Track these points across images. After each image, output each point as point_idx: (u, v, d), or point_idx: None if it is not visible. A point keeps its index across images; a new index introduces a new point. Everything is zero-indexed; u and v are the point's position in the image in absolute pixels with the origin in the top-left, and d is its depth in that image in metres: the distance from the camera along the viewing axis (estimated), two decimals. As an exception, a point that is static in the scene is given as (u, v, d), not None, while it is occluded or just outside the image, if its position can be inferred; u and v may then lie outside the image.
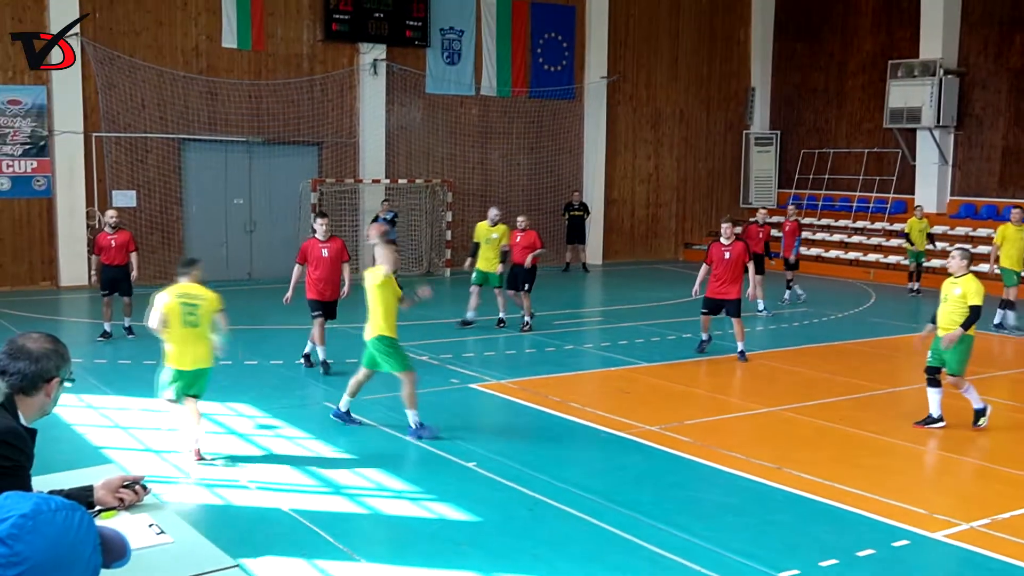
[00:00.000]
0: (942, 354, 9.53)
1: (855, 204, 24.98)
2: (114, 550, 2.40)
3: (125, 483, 3.57)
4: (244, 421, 9.68)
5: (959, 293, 9.46)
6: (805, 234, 24.08)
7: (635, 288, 20.37)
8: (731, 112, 27.25)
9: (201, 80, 19.66)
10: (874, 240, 23.81)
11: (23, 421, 3.16)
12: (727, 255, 12.96)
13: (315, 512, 7.14)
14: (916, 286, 19.77)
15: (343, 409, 9.41)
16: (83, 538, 2.11)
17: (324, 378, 11.49)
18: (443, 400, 10.29)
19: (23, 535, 2.02)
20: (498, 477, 7.99)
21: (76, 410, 9.71)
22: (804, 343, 14.60)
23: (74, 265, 18.50)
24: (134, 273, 13.70)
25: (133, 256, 13.74)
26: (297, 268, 11.92)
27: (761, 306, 16.70)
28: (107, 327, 13.60)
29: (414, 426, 9.07)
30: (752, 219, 18.40)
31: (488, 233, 14.80)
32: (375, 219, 19.31)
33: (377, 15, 21.13)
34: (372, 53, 21.22)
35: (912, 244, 19.43)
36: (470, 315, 14.83)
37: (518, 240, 14.89)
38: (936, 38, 22.77)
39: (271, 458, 8.49)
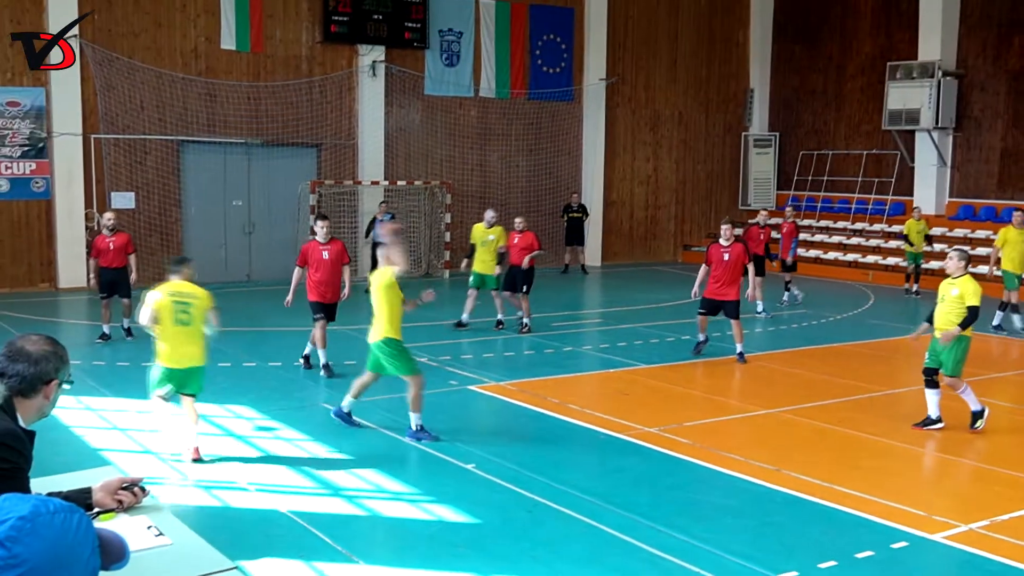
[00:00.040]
0: (939, 355, 9.55)
1: (854, 206, 25.00)
2: (113, 552, 2.40)
3: (124, 485, 3.57)
4: (243, 423, 9.67)
5: (957, 294, 9.47)
6: (804, 236, 24.15)
7: (634, 290, 20.38)
8: (730, 114, 27.27)
9: (200, 82, 19.66)
10: (873, 242, 23.82)
11: (22, 423, 3.16)
12: (726, 256, 12.96)
13: (314, 514, 7.14)
14: (915, 288, 19.80)
15: (345, 410, 9.38)
16: (82, 540, 2.11)
17: (323, 380, 11.49)
18: (442, 402, 10.29)
19: (22, 537, 2.02)
20: (497, 479, 7.99)
21: (75, 412, 9.70)
22: (803, 345, 14.61)
23: (73, 267, 18.49)
24: (133, 276, 13.69)
25: (132, 258, 13.74)
26: (297, 271, 11.91)
27: (760, 308, 16.72)
28: (106, 329, 13.59)
29: (415, 428, 9.06)
30: (753, 220, 18.39)
31: (484, 235, 14.80)
32: (372, 221, 19.32)
33: (376, 17, 21.14)
34: (371, 55, 21.23)
35: (912, 245, 19.47)
36: (465, 317, 14.83)
37: (516, 241, 14.90)
38: (935, 40, 22.80)
39: (270, 460, 8.48)
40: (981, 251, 20.43)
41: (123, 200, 19.12)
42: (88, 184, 18.79)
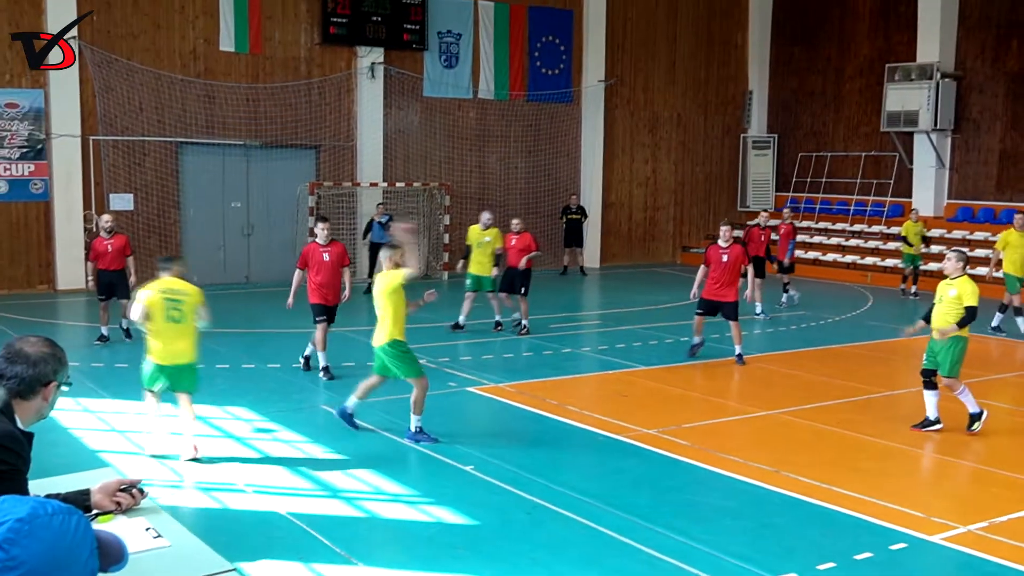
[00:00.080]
0: (937, 356, 9.56)
1: (852, 207, 25.02)
2: (111, 554, 2.40)
3: (122, 487, 3.57)
4: (241, 424, 9.67)
5: (955, 295, 9.49)
6: (803, 237, 24.18)
7: (633, 291, 20.38)
8: (728, 116, 27.29)
9: (199, 83, 19.66)
10: (871, 243, 23.84)
11: (20, 425, 3.16)
12: (725, 258, 12.96)
13: (312, 516, 7.14)
14: (914, 289, 19.82)
15: (349, 410, 9.35)
16: (80, 542, 2.11)
17: (322, 382, 11.49)
18: (441, 403, 10.28)
19: (19, 539, 2.01)
20: (496, 481, 7.99)
21: (73, 414, 9.70)
22: (801, 346, 14.61)
23: (71, 269, 18.47)
24: (132, 278, 13.67)
25: (130, 260, 13.73)
26: (298, 273, 11.90)
27: (759, 309, 16.73)
28: (104, 331, 13.59)
29: (414, 430, 9.06)
30: (753, 222, 18.38)
31: (480, 237, 14.78)
32: (370, 222, 19.33)
33: (375, 19, 21.14)
34: (370, 56, 21.24)
35: (911, 246, 19.50)
36: (462, 319, 14.83)
37: (513, 243, 14.89)
38: (933, 42, 22.82)
39: (268, 461, 8.48)
40: (980, 252, 20.47)
41: (122, 202, 19.12)
42: (87, 186, 18.78)
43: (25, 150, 18.40)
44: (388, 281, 8.95)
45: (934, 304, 9.72)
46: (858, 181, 25.14)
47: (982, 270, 17.91)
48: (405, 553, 6.67)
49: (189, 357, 8.42)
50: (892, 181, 24.36)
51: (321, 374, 11.62)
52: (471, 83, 22.89)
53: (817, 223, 25.30)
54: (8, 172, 18.31)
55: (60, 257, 18.68)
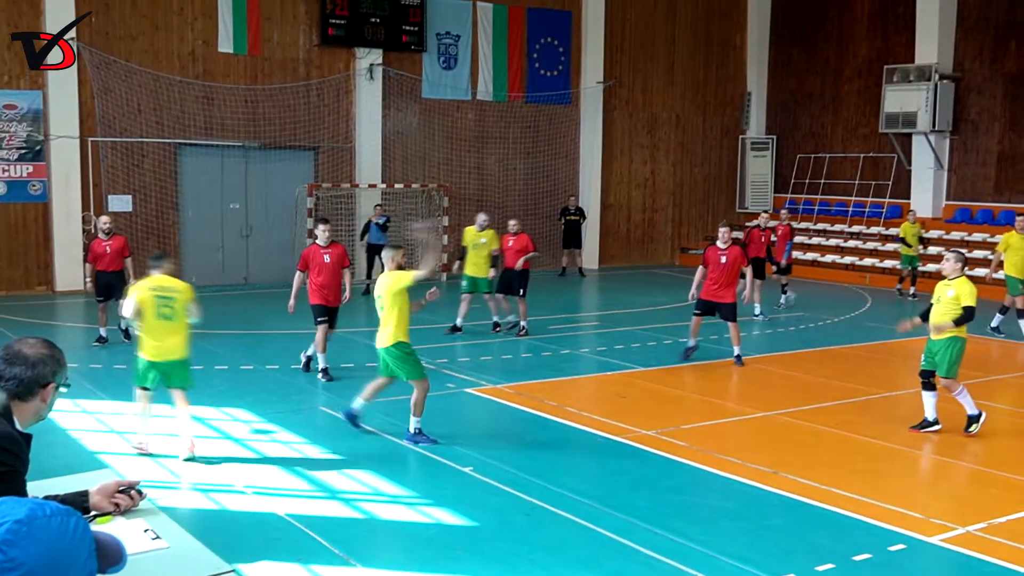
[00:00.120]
0: (935, 357, 9.58)
1: (851, 209, 25.04)
2: (110, 555, 2.40)
3: (121, 488, 3.57)
4: (240, 426, 9.66)
5: (953, 295, 9.51)
6: (801, 239, 24.19)
7: (631, 293, 20.38)
8: (727, 117, 27.30)
9: (197, 85, 19.66)
10: (870, 245, 23.85)
11: (19, 426, 3.16)
12: (723, 259, 12.94)
13: (311, 517, 7.13)
14: (912, 290, 19.84)
15: (355, 412, 9.33)
16: (78, 543, 2.11)
17: (321, 383, 11.48)
18: (439, 405, 10.28)
19: (18, 540, 2.01)
20: (495, 482, 7.99)
21: (71, 415, 9.70)
22: (800, 347, 14.61)
23: (70, 270, 18.46)
24: (130, 279, 13.65)
25: (128, 261, 13.73)
26: (298, 275, 11.89)
27: (757, 310, 16.74)
28: (103, 332, 13.58)
29: (413, 431, 9.06)
30: (754, 223, 18.36)
31: (476, 238, 14.77)
32: (367, 223, 19.33)
33: (373, 20, 21.15)
34: (368, 58, 21.24)
35: (909, 247, 19.53)
36: (459, 321, 14.82)
37: (510, 244, 14.87)
38: (931, 43, 22.84)
39: (267, 463, 8.47)
40: (978, 254, 20.48)
41: (120, 203, 19.12)
42: (85, 187, 18.78)
43: (23, 151, 18.39)
44: (394, 281, 8.90)
45: (931, 304, 9.73)
46: (856, 182, 25.16)
47: (980, 271, 17.92)
48: (404, 554, 6.67)
49: (181, 353, 8.47)
50: (890, 182, 24.38)
51: (320, 376, 11.62)
52: (470, 84, 22.89)
53: (816, 224, 25.31)
54: (6, 173, 18.30)
55: (58, 258, 18.67)
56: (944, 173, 23.44)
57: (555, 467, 8.50)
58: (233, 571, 3.29)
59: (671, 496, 7.85)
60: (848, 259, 23.72)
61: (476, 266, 14.69)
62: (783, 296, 18.23)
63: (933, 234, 22.28)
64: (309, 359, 11.98)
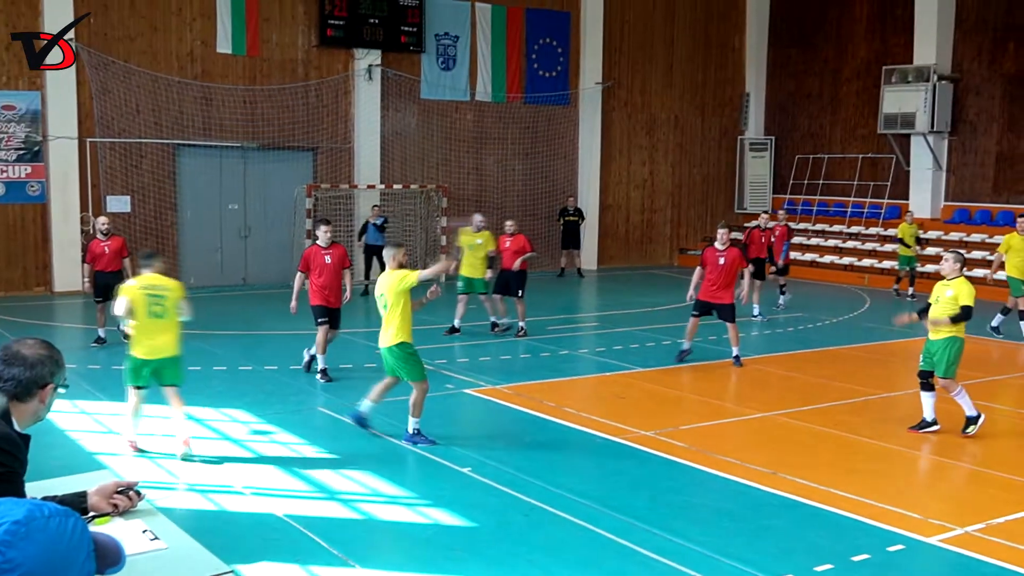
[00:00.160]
0: (933, 357, 9.59)
1: (849, 209, 25.06)
2: (108, 556, 2.40)
3: (119, 489, 3.56)
4: (239, 426, 9.66)
5: (951, 295, 9.52)
6: (800, 239, 24.21)
7: (630, 293, 20.39)
8: (726, 118, 27.31)
9: (196, 85, 19.66)
10: (868, 245, 23.87)
11: (17, 427, 3.16)
12: (721, 260, 12.93)
13: (310, 517, 7.13)
14: (911, 291, 19.85)
15: (363, 414, 9.29)
16: (76, 544, 2.11)
17: (319, 384, 11.47)
18: (438, 405, 10.27)
19: (16, 541, 2.01)
20: (493, 482, 7.98)
21: (70, 416, 9.69)
22: (799, 348, 14.62)
23: (68, 270, 18.46)
24: (129, 280, 13.65)
25: (127, 262, 13.72)
26: (299, 276, 11.88)
27: (756, 311, 16.75)
28: (101, 333, 13.58)
29: (412, 431, 9.05)
30: (754, 223, 18.33)
31: (472, 240, 14.75)
32: (365, 224, 19.32)
33: (372, 21, 21.15)
34: (367, 59, 21.24)
35: (908, 247, 19.56)
36: (457, 322, 14.81)
37: (507, 245, 14.84)
38: (930, 44, 22.86)
39: (266, 463, 8.47)
40: (976, 254, 20.50)
41: (119, 204, 19.12)
42: (83, 188, 18.77)
43: (22, 152, 18.38)
44: (397, 280, 8.88)
45: (930, 304, 9.75)
46: (855, 183, 25.17)
47: (979, 272, 17.93)
48: (402, 555, 6.67)
49: (173, 351, 8.53)
50: (889, 183, 24.40)
51: (319, 376, 11.61)
52: (468, 85, 22.89)
53: (814, 225, 25.32)
54: (5, 174, 18.29)
55: (57, 259, 18.67)
56: (943, 174, 23.46)
57: (554, 468, 8.49)
58: (232, 572, 3.29)
59: (670, 497, 7.85)
60: (847, 260, 23.73)
61: (472, 267, 14.67)
62: (781, 297, 18.23)
63: (932, 235, 22.30)
64: (312, 358, 11.94)
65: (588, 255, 24.51)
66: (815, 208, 25.70)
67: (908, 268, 19.87)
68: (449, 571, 6.26)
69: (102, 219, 14.13)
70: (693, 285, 13.25)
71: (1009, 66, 22.25)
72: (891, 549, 6.73)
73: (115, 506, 3.51)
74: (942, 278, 9.83)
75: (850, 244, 24.26)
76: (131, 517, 3.53)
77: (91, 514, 3.44)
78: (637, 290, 20.91)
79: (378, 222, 18.98)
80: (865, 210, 24.73)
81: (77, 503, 3.41)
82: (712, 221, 26.41)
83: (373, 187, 21.27)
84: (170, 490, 7.68)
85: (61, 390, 3.28)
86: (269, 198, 20.69)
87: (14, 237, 18.52)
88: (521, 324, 14.77)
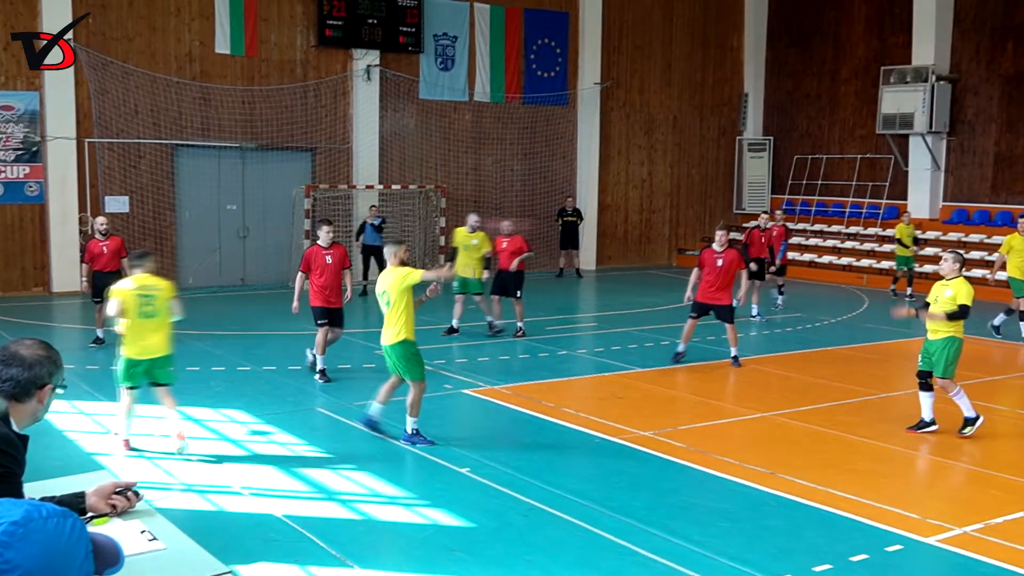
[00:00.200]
0: (932, 357, 9.60)
1: (848, 210, 25.07)
2: (107, 557, 2.40)
3: (117, 489, 3.56)
4: (237, 427, 9.66)
5: (950, 295, 9.53)
6: (799, 239, 24.23)
7: (629, 294, 20.39)
8: (724, 118, 27.32)
9: (194, 86, 19.65)
10: (867, 246, 23.88)
11: (15, 428, 3.15)
12: (719, 262, 12.92)
13: (308, 518, 7.13)
14: (909, 291, 19.86)
15: (374, 418, 9.26)
16: (75, 545, 2.11)
17: (318, 385, 11.47)
18: (436, 406, 10.28)
19: (14, 542, 2.01)
20: (492, 483, 7.98)
21: (68, 416, 9.68)
22: (797, 348, 14.62)
23: (66, 271, 18.45)
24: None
25: (125, 262, 13.69)
26: (300, 276, 11.89)
27: (755, 311, 16.75)
28: (99, 333, 13.57)
29: (410, 431, 9.05)
30: (754, 223, 18.32)
31: (467, 239, 14.73)
32: (363, 224, 19.32)
33: (370, 21, 21.15)
34: (365, 59, 21.24)
35: (906, 247, 19.57)
36: (455, 323, 14.81)
37: (504, 246, 14.81)
38: (928, 44, 22.87)
39: (264, 464, 8.46)
40: (975, 255, 20.51)
41: (117, 204, 19.10)
42: (82, 188, 18.76)
43: (20, 152, 18.37)
44: (400, 277, 8.87)
45: (928, 303, 9.75)
46: (853, 183, 25.18)
47: (977, 272, 17.94)
48: (401, 555, 6.67)
49: (164, 350, 8.56)
50: (887, 183, 24.41)
51: (317, 377, 11.60)
52: (467, 85, 22.89)
53: (813, 225, 25.33)
54: (3, 175, 18.28)
55: (55, 260, 18.65)
56: (941, 174, 23.47)
57: (552, 468, 8.49)
58: (230, 572, 3.29)
59: (669, 497, 7.85)
60: (845, 260, 23.74)
61: (467, 267, 14.65)
62: (779, 297, 18.23)
63: (930, 235, 22.33)
64: (316, 358, 11.88)
65: (587, 255, 24.51)
66: (813, 208, 25.70)
67: (906, 268, 19.88)
68: (448, 571, 6.26)
69: (101, 219, 14.13)
70: (691, 286, 13.25)
71: (1007, 66, 22.26)
72: (889, 549, 6.74)
73: (113, 507, 3.51)
74: (940, 278, 9.84)
75: (848, 244, 24.26)
76: (129, 518, 3.52)
77: (89, 515, 3.44)
78: (636, 290, 20.92)
79: (376, 222, 18.97)
80: (863, 210, 24.74)
81: (75, 504, 3.41)
82: (710, 221, 26.43)
83: (372, 187, 21.27)
84: (168, 490, 7.68)
85: (59, 391, 3.28)
86: (267, 198, 20.68)
87: (12, 238, 18.50)
88: (519, 324, 14.76)
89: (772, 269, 17.83)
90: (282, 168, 20.79)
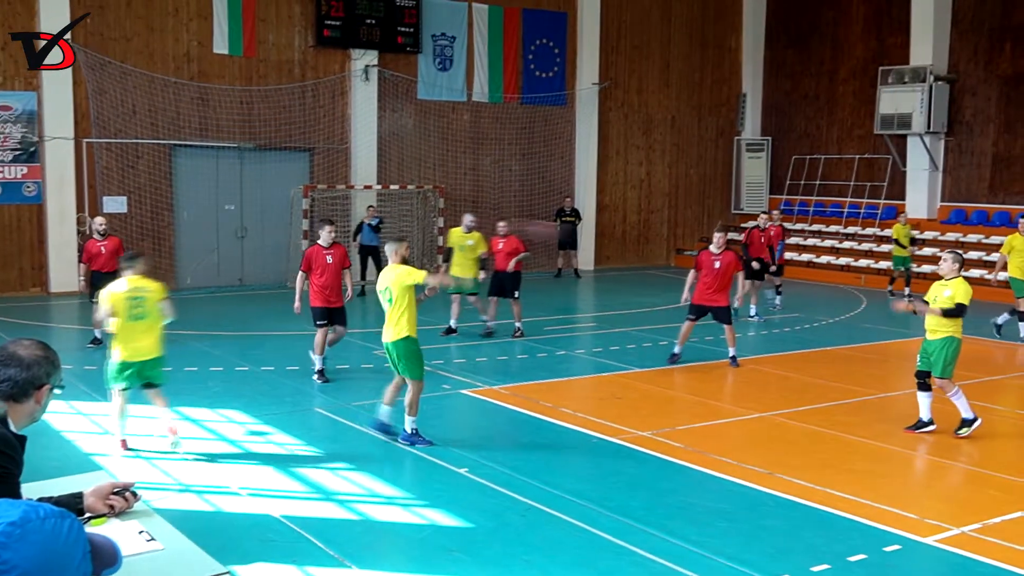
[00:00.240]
0: (930, 357, 9.60)
1: (846, 210, 25.08)
2: (104, 557, 2.39)
3: (115, 490, 3.56)
4: (235, 427, 9.65)
5: (949, 295, 9.53)
6: (797, 240, 24.24)
7: (627, 294, 20.39)
8: (722, 118, 27.33)
9: (192, 86, 19.64)
10: (865, 246, 23.88)
11: (12, 428, 3.15)
12: (717, 264, 12.90)
13: (306, 518, 7.13)
14: (907, 291, 19.87)
15: (385, 422, 9.25)
16: (72, 545, 2.11)
17: (316, 385, 11.46)
18: (435, 406, 10.28)
19: (11, 543, 2.01)
20: (490, 483, 7.98)
21: (66, 417, 9.68)
22: (795, 348, 14.62)
23: (64, 271, 18.43)
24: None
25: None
26: (300, 275, 11.89)
27: (753, 312, 16.76)
28: (97, 334, 13.54)
29: (410, 431, 9.04)
30: (753, 223, 18.32)
31: (463, 240, 14.71)
32: (360, 225, 19.32)
33: (369, 21, 21.14)
34: (364, 59, 21.24)
35: (903, 247, 19.58)
36: (453, 323, 14.80)
37: (500, 247, 14.79)
38: (926, 45, 22.88)
39: (262, 464, 8.46)
40: (972, 255, 20.52)
41: (115, 204, 19.09)
42: (80, 188, 18.74)
43: (18, 152, 18.36)
44: (403, 275, 8.87)
45: (927, 302, 9.75)
46: (851, 184, 25.19)
47: (975, 272, 17.94)
48: (399, 555, 6.67)
49: (155, 352, 8.57)
50: (885, 184, 24.42)
51: (315, 377, 11.60)
52: (465, 86, 22.89)
53: (811, 225, 25.33)
54: (1, 175, 18.26)
55: (53, 260, 18.64)
56: (939, 174, 23.48)
57: (551, 468, 8.49)
58: (228, 573, 3.29)
59: (667, 497, 7.85)
60: (843, 260, 23.75)
61: (462, 267, 14.62)
62: (777, 297, 18.23)
63: (928, 235, 22.34)
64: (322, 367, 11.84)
65: (585, 256, 24.51)
66: (812, 208, 25.71)
67: (903, 268, 19.89)
68: (446, 571, 6.26)
69: (99, 219, 14.13)
70: (687, 288, 13.24)
71: (1005, 67, 22.28)
72: (887, 549, 6.74)
73: (111, 507, 3.50)
74: (938, 278, 9.85)
75: (846, 244, 24.27)
76: (127, 518, 3.52)
77: (87, 515, 3.44)
78: (634, 290, 20.92)
79: (373, 222, 18.97)
80: (862, 210, 24.75)
81: (73, 504, 3.40)
82: (709, 221, 26.45)
83: (370, 187, 21.27)
84: (166, 491, 7.68)
85: (57, 391, 3.28)
86: (266, 199, 20.67)
87: (10, 238, 18.49)
88: (518, 325, 14.76)
89: (772, 269, 17.84)
90: (280, 168, 20.78)
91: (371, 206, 19.64)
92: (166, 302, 8.68)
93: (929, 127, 22.73)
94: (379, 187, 21.48)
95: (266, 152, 20.55)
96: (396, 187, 21.75)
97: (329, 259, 11.67)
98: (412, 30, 21.75)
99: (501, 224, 15.17)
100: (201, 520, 7.14)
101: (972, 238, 21.85)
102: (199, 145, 19.92)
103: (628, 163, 25.81)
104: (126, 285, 8.54)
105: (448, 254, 14.94)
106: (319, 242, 11.88)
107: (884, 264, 22.39)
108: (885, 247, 22.74)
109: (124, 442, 8.60)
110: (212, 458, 8.55)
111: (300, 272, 11.89)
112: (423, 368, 9.11)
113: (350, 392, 11.01)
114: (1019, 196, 21.98)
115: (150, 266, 9.58)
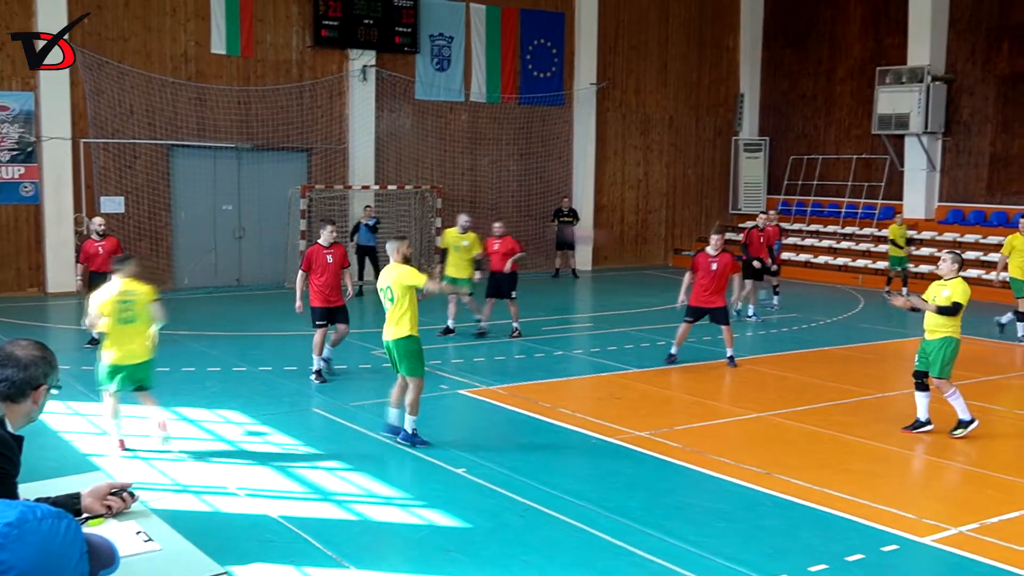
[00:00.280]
0: (928, 357, 9.61)
1: (844, 210, 25.10)
2: (102, 557, 2.39)
3: (113, 490, 3.55)
4: (232, 427, 9.65)
5: (947, 295, 9.53)
6: (794, 240, 24.25)
7: (625, 294, 20.39)
8: (720, 118, 27.35)
9: (190, 86, 19.63)
10: (862, 246, 23.90)
11: (10, 428, 3.15)
12: (714, 266, 12.89)
13: (304, 518, 7.12)
14: (905, 291, 19.85)
15: (395, 423, 9.22)
16: (69, 546, 2.10)
17: (314, 385, 11.45)
18: (432, 406, 10.27)
19: (8, 543, 2.00)
20: (488, 483, 7.98)
21: (63, 417, 9.67)
22: (793, 348, 14.63)
23: (61, 271, 18.42)
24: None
25: (121, 262, 13.69)
26: (301, 275, 11.89)
27: (751, 312, 16.76)
28: (94, 334, 13.52)
29: (409, 431, 9.03)
30: (752, 223, 18.32)
31: (458, 240, 14.71)
32: (357, 225, 19.31)
33: (367, 22, 21.14)
34: (361, 59, 21.23)
35: (900, 248, 19.60)
36: (451, 323, 14.80)
37: (496, 247, 14.77)
38: (924, 45, 22.90)
39: (260, 464, 8.46)
40: (970, 255, 20.53)
41: (113, 204, 19.07)
42: (77, 188, 18.73)
43: (15, 153, 18.33)
44: (405, 274, 8.87)
45: (925, 300, 9.76)
46: (849, 184, 25.21)
47: (972, 272, 17.96)
48: (397, 556, 6.66)
49: (145, 355, 8.57)
50: (883, 184, 24.43)
51: (313, 377, 11.59)
52: (463, 86, 22.89)
53: (808, 226, 25.35)
54: (-2, 175, 18.26)
55: (50, 260, 18.61)
56: (936, 175, 23.50)
57: (549, 468, 8.49)
58: (226, 573, 3.28)
59: (665, 497, 7.85)
60: (841, 260, 23.76)
61: (457, 267, 14.61)
62: (775, 296, 18.25)
63: (925, 235, 22.36)
64: (328, 361, 11.84)
65: (583, 256, 24.51)
66: (809, 209, 25.73)
67: (899, 269, 19.91)
68: (444, 572, 6.26)
69: (98, 220, 14.12)
70: (684, 290, 13.23)
71: (1003, 67, 22.30)
72: (885, 549, 6.74)
73: (109, 507, 3.50)
74: (935, 278, 9.86)
75: (844, 245, 24.29)
76: (125, 519, 3.52)
77: (84, 515, 3.43)
78: (632, 290, 20.92)
79: (370, 223, 18.96)
80: (859, 211, 24.77)
81: (70, 504, 3.40)
82: (706, 222, 26.46)
83: (367, 188, 21.26)
84: (164, 491, 7.67)
85: (54, 391, 3.27)
86: (263, 199, 20.65)
87: (7, 238, 18.47)
88: (515, 325, 14.75)
89: (773, 269, 17.86)
90: (278, 168, 20.77)
91: (368, 206, 19.62)
92: (157, 304, 8.66)
93: (927, 127, 22.76)
94: (377, 187, 21.47)
95: (264, 152, 20.54)
96: (394, 187, 21.75)
97: (329, 259, 11.68)
98: (410, 30, 21.75)
99: (497, 225, 15.17)
100: (199, 520, 7.14)
101: (970, 238, 21.87)
102: (197, 145, 19.90)
103: (626, 163, 25.81)
104: (116, 288, 8.53)
105: (443, 255, 14.93)
106: (319, 242, 11.88)
107: (882, 264, 22.40)
108: (883, 247, 22.74)
109: (122, 442, 8.61)
110: (209, 458, 8.54)
111: (300, 272, 11.90)
112: (424, 367, 9.11)
113: (348, 392, 11.00)
114: (1017, 196, 22.01)
115: (143, 268, 9.56)
